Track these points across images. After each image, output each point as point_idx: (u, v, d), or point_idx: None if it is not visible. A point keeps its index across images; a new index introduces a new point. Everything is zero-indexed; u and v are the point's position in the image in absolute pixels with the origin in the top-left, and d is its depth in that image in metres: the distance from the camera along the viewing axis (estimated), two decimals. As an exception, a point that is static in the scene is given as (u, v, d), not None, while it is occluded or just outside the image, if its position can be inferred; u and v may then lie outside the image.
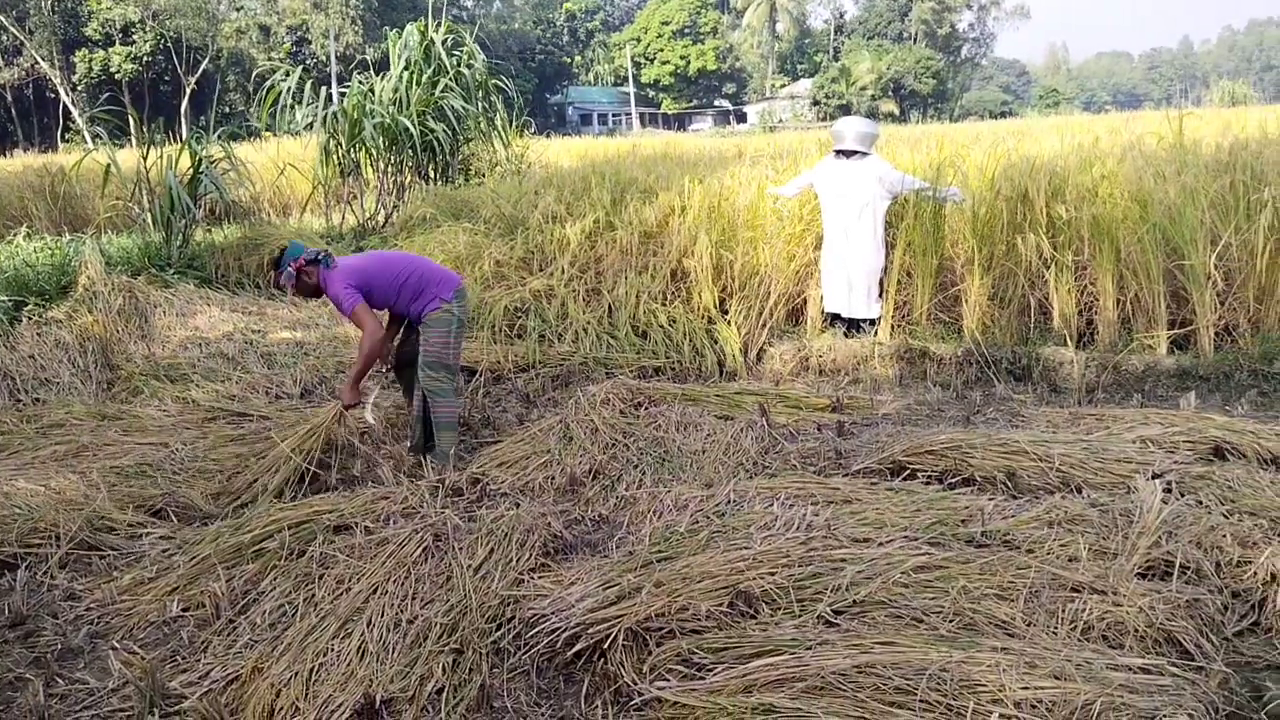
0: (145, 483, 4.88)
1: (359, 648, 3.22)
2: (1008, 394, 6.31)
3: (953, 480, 4.46)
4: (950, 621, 3.07)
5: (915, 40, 70.75)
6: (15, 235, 9.86)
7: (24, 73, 46.17)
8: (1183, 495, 4.05)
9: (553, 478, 4.82)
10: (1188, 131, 7.59)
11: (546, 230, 8.25)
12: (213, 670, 3.21)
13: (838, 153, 7.33)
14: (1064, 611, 3.12)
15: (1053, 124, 21.20)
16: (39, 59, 44.30)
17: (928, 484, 4.41)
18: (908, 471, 4.59)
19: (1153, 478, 4.13)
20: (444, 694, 3.05)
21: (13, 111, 47.42)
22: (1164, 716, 2.55)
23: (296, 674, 3.09)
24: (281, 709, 2.97)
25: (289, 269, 5.03)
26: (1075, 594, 3.21)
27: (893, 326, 7.27)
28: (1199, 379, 6.28)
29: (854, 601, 3.19)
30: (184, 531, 4.34)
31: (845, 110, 60.34)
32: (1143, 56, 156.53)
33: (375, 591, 3.50)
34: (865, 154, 7.22)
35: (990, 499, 4.09)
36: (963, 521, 3.83)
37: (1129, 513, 3.79)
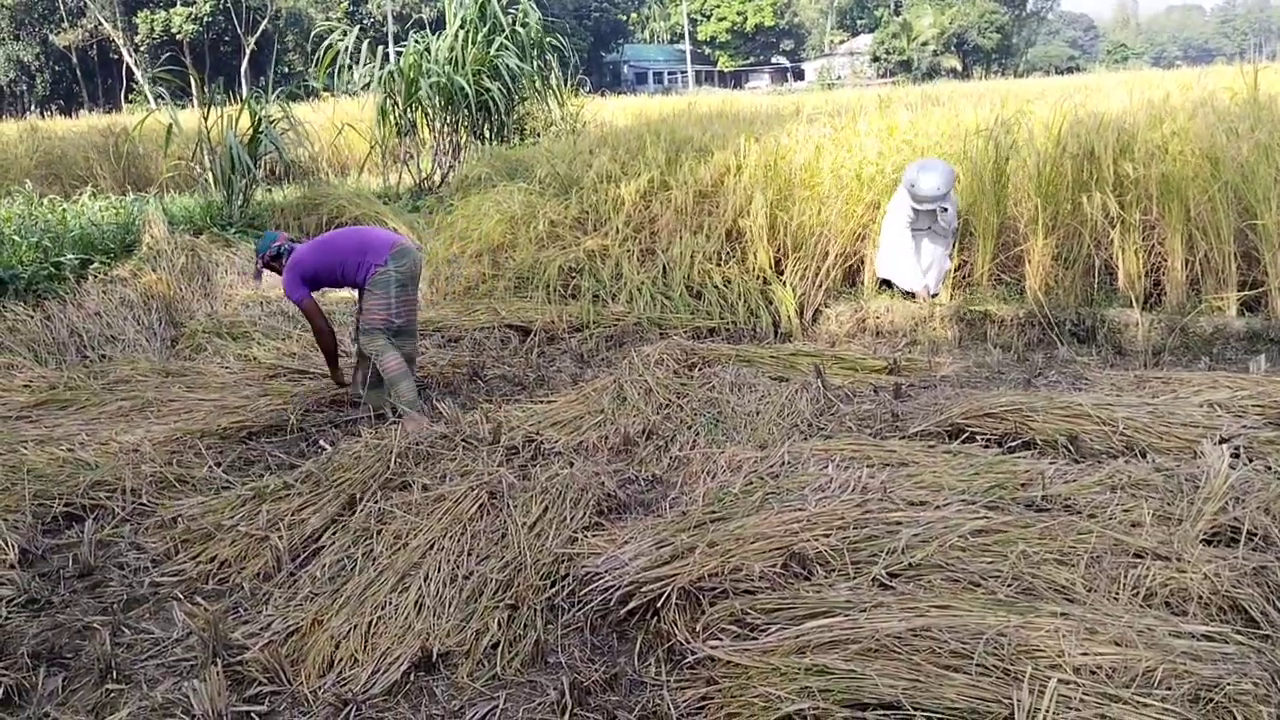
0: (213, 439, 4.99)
1: (416, 602, 3.27)
2: (1071, 356, 6.19)
3: (1012, 444, 4.38)
4: (1008, 586, 3.03)
5: (979, -7, 68.90)
6: (81, 195, 10.06)
7: (88, 34, 46.87)
8: (1251, 460, 3.94)
9: (606, 437, 4.82)
10: (1263, 86, 7.32)
11: (601, 190, 8.22)
12: (274, 622, 3.27)
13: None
14: (1126, 577, 3.06)
15: (1121, 80, 20.60)
16: (102, 20, 44.94)
17: (986, 447, 4.33)
18: (966, 434, 4.52)
19: (1220, 442, 4.03)
20: (499, 648, 3.09)
21: (77, 73, 48.19)
22: (1228, 685, 2.50)
23: (355, 626, 3.14)
24: (341, 660, 3.03)
25: (258, 264, 5.63)
26: (1138, 560, 3.15)
27: (953, 287, 7.15)
28: (1270, 342, 6.11)
29: (910, 564, 3.16)
30: (246, 486, 4.42)
31: (905, 66, 59.18)
32: (1215, 9, 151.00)
33: (432, 547, 3.55)
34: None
35: (1051, 463, 4.01)
36: (1022, 485, 3.77)
37: (1195, 478, 3.70)
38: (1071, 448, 4.28)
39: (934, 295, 7.10)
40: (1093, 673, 2.55)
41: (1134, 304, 6.51)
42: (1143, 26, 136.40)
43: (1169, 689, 2.49)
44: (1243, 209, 6.39)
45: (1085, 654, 2.60)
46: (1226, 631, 2.80)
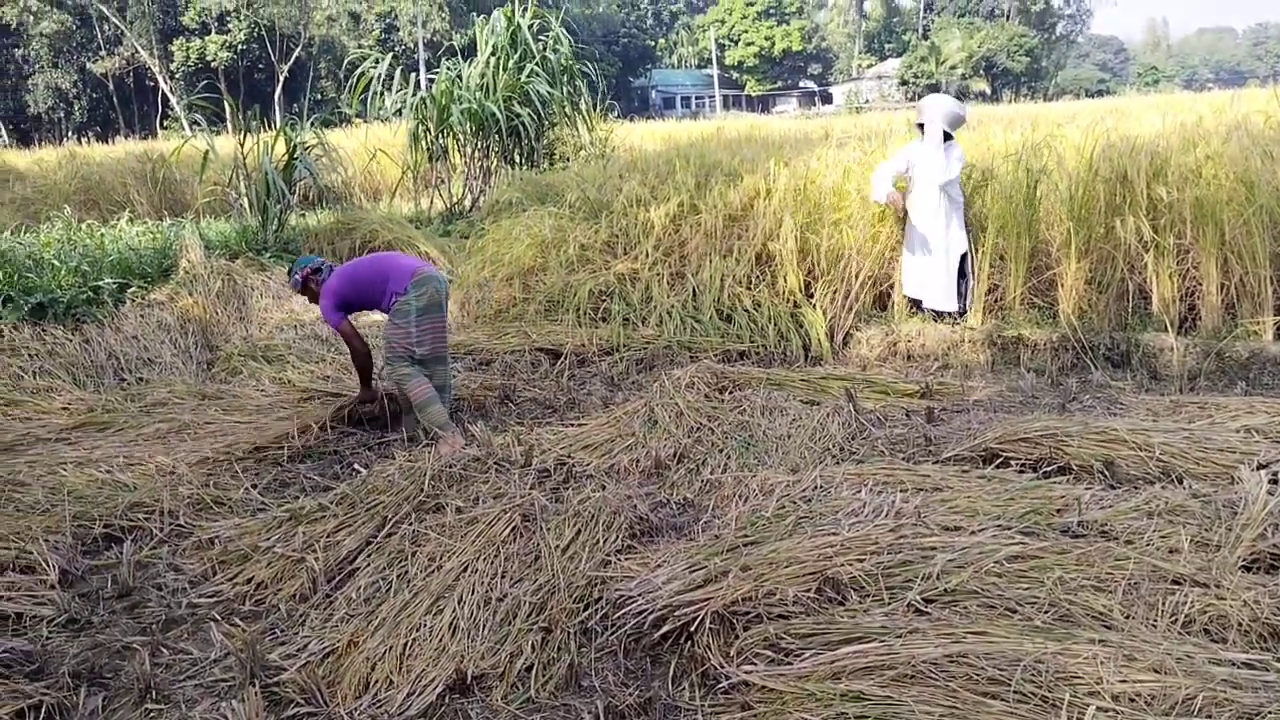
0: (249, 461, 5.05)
1: (450, 624, 3.28)
2: (1105, 381, 6.14)
3: (1047, 469, 4.36)
4: (1045, 612, 3.01)
5: (1008, 17, 68.73)
6: (119, 220, 10.22)
7: (124, 62, 47.70)
8: (1290, 487, 3.90)
9: (638, 460, 4.82)
10: (1298, 109, 7.28)
11: (631, 214, 8.26)
12: (310, 643, 3.30)
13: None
14: (1164, 604, 3.03)
15: (1152, 103, 20.51)
16: (138, 48, 45.71)
17: (1021, 472, 4.32)
18: (1000, 459, 4.50)
19: (1258, 468, 3.99)
20: (533, 671, 3.10)
21: (114, 99, 48.99)
22: (1269, 713, 2.47)
23: (390, 648, 3.16)
24: (376, 682, 3.05)
25: (297, 277, 5.72)
26: (1176, 586, 3.12)
27: (985, 311, 7.12)
28: (1307, 367, 6.04)
29: (945, 590, 3.14)
30: (282, 507, 4.46)
31: (934, 90, 59.10)
32: (1247, 32, 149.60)
33: (465, 569, 3.57)
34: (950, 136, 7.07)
35: (1087, 488, 3.99)
36: (1058, 511, 3.74)
37: (1233, 504, 3.66)
38: (1107, 473, 4.26)
39: (963, 315, 7.08)
40: (1132, 700, 2.53)
41: (1169, 328, 6.45)
42: (1173, 49, 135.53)
43: (1209, 717, 2.47)
44: (1278, 233, 6.34)
45: (1124, 681, 2.58)
46: (1267, 659, 2.77)
